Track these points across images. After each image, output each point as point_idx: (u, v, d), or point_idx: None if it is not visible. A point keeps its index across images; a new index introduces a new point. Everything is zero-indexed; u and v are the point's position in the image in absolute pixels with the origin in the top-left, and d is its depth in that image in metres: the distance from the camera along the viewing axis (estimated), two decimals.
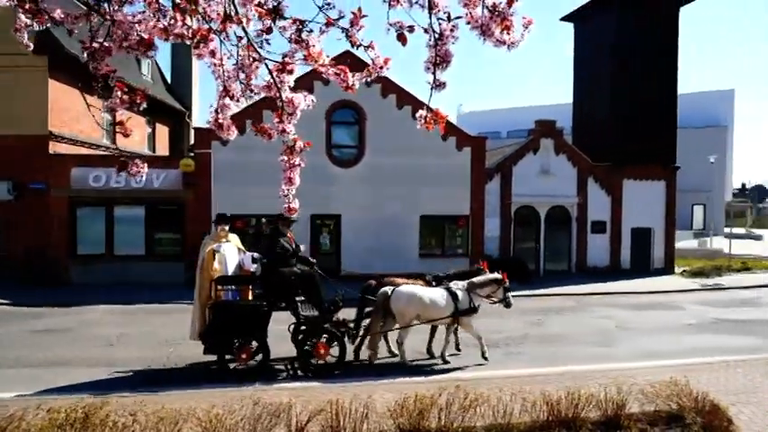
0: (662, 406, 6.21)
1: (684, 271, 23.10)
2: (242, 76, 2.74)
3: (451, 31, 2.25)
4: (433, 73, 2.35)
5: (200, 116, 30.08)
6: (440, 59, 2.30)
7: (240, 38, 2.66)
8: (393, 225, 19.89)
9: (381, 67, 2.58)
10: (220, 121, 2.79)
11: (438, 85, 2.43)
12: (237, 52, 2.70)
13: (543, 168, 21.56)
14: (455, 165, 20.33)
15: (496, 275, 9.70)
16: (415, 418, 5.74)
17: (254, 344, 8.51)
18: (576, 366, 9.11)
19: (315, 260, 9.46)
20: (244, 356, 8.42)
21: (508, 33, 2.18)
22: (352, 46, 2.52)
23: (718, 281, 20.94)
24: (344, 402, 5.82)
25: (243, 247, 9.27)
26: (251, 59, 2.69)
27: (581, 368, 8.96)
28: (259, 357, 8.56)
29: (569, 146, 22.39)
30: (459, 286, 9.49)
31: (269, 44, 2.64)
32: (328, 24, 2.51)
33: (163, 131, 26.76)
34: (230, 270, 8.73)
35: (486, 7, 2.15)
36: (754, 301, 16.92)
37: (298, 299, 8.83)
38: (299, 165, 2.96)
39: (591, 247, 22.33)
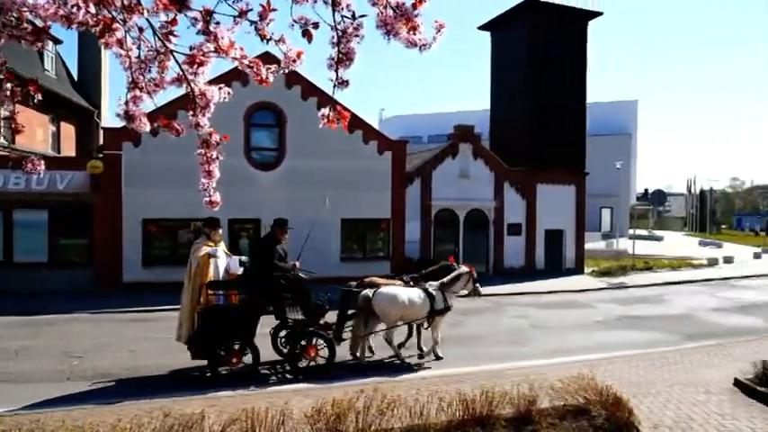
0: (570, 400, 6.47)
1: (593, 271, 24.37)
2: (152, 68, 2.60)
3: (356, 29, 2.23)
4: (336, 71, 2.32)
5: (111, 116, 28.62)
6: (343, 57, 2.27)
7: (142, 29, 2.52)
8: (314, 229, 19.67)
9: (294, 61, 2.51)
10: (130, 112, 2.63)
11: (341, 83, 2.40)
12: (142, 44, 2.56)
13: (462, 172, 22.10)
14: (376, 168, 20.45)
15: (464, 269, 10.17)
16: (332, 423, 5.67)
17: (242, 348, 8.56)
18: (493, 365, 9.36)
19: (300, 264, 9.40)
20: (234, 360, 8.46)
21: (415, 34, 2.18)
22: (262, 39, 2.44)
23: (623, 280, 22.22)
24: (260, 410, 5.67)
25: (228, 251, 9.33)
26: (155, 51, 2.56)
27: (497, 367, 9.22)
28: (247, 360, 8.60)
29: (487, 151, 23.10)
30: (434, 286, 9.86)
31: (175, 36, 2.52)
32: (241, 14, 2.43)
33: (69, 131, 25.21)
34: (220, 274, 8.75)
35: (392, 6, 2.15)
36: (654, 299, 18.06)
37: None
38: (218, 158, 2.87)
39: (507, 249, 23.10)
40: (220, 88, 2.67)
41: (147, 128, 2.68)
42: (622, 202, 45.21)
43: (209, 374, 8.36)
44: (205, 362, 8.46)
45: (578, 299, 17.98)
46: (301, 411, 6.15)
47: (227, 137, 2.94)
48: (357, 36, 2.25)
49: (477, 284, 10.22)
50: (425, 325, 10.07)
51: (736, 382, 8.05)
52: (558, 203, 23.86)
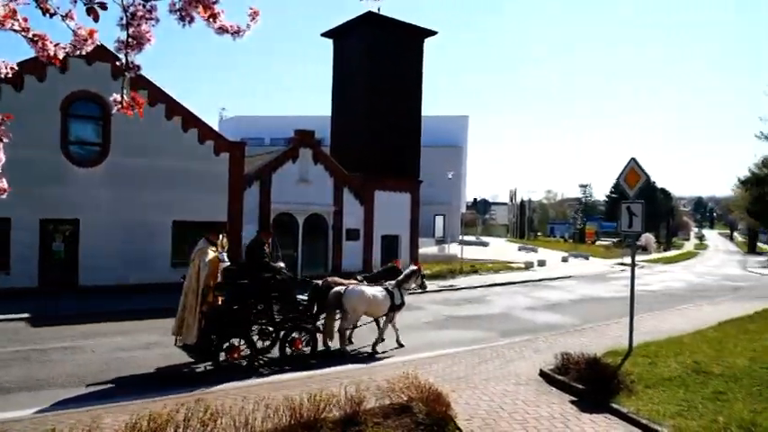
0: (395, 399, 6.68)
1: (426, 274, 25.63)
2: None
3: (149, 12, 2.05)
4: (126, 55, 2.12)
5: None
6: (133, 41, 2.08)
7: None
8: (142, 231, 18.37)
9: (86, 40, 2.25)
10: None
11: (131, 68, 2.20)
12: None
13: (302, 177, 22.05)
14: (212, 169, 19.63)
15: (413, 268, 11.63)
16: None
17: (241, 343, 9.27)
18: (323, 369, 9.37)
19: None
20: (236, 355, 9.22)
21: (215, 21, 2.07)
22: (44, 14, 2.16)
23: (452, 282, 23.68)
24: (63, 430, 5.09)
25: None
26: None
27: (327, 370, 9.24)
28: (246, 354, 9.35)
29: (327, 156, 23.31)
30: (392, 284, 11.10)
31: None
32: None
33: None
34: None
35: None
36: (478, 299, 19.47)
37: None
38: (1, 140, 2.50)
39: (346, 253, 23.49)
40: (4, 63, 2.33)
41: None
42: (454, 210, 48.34)
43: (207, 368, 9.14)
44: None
45: (411, 301, 18.70)
46: (113, 429, 5.63)
47: (10, 116, 2.58)
48: (150, 20, 2.08)
49: (424, 279, 11.89)
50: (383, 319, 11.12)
51: (541, 373, 8.92)
52: (395, 210, 24.82)
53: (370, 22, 24.56)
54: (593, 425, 6.64)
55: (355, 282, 11.25)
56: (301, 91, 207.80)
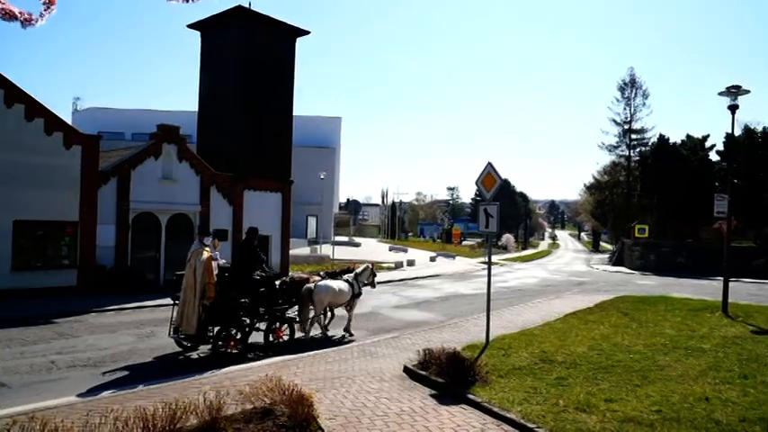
0: (258, 403, 6.53)
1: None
2: None
3: None
4: None
5: None
6: None
7: None
8: None
9: None
10: None
11: None
12: None
13: (165, 174, 20.87)
14: (61, 164, 17.96)
15: (368, 265, 14.04)
16: None
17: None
18: (184, 377, 8.94)
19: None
20: (233, 344, 10.43)
21: None
22: None
23: None
24: None
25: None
26: None
27: (189, 378, 8.83)
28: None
29: (193, 153, 22.28)
30: (350, 278, 13.04)
31: None
32: None
33: None
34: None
35: None
36: None
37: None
38: None
39: (214, 255, 22.56)
40: None
41: None
42: (327, 211, 48.42)
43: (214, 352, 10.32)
44: None
45: None
46: None
47: None
48: None
49: (375, 277, 14.15)
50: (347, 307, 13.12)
51: (405, 369, 9.19)
52: (265, 210, 24.32)
53: (241, 17, 23.86)
54: (450, 416, 6.95)
55: (319, 278, 12.68)
56: (167, 84, 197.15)
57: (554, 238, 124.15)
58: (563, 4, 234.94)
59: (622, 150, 58.03)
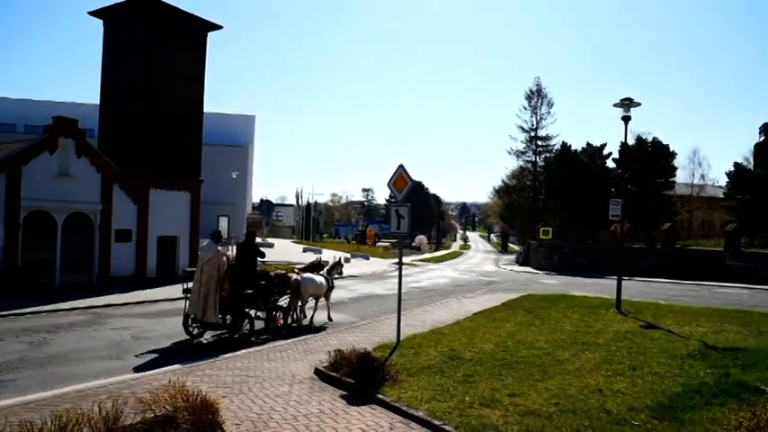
0: (159, 411, 6.24)
1: None
2: None
3: None
4: None
5: None
6: None
7: None
8: None
9: None
10: None
11: None
12: None
13: (62, 171, 19.51)
14: None
15: (336, 260, 16.20)
16: None
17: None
18: (80, 385, 8.40)
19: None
20: (243, 330, 12.28)
21: None
22: None
23: None
24: None
25: None
26: None
27: (86, 386, 8.31)
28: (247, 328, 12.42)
29: (93, 149, 21.00)
30: (324, 272, 14.95)
31: None
32: None
33: None
34: None
35: None
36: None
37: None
38: None
39: (115, 256, 21.40)
40: None
41: None
42: (239, 211, 47.24)
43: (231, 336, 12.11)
44: None
45: (182, 306, 17.79)
46: None
47: None
48: None
49: (342, 267, 16.48)
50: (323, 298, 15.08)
51: (316, 371, 9.13)
52: (173, 209, 23.39)
53: (147, 6, 22.79)
54: (360, 416, 6.97)
55: (296, 273, 14.41)
56: (66, 74, 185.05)
57: (465, 239, 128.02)
58: (477, 15, 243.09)
59: (529, 156, 60.79)
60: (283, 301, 14.02)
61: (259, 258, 13.07)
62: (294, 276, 14.07)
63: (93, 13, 24.25)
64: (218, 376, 8.92)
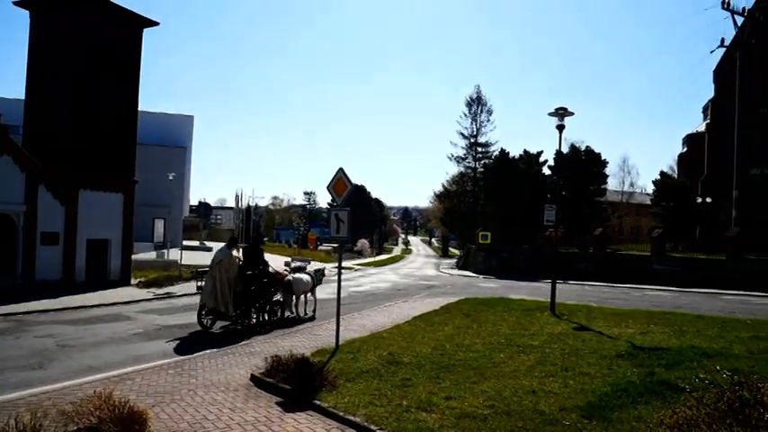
0: (82, 423, 5.94)
1: (140, 281, 23.74)
2: None
3: None
4: None
5: None
6: None
7: None
8: None
9: None
10: None
11: None
12: None
13: None
14: None
15: (322, 267, 19.56)
16: None
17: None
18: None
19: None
20: (253, 322, 14.48)
21: None
22: None
23: (169, 289, 22.35)
24: None
25: None
26: None
27: (1, 398, 7.81)
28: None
29: (17, 147, 19.89)
30: (311, 271, 17.17)
31: None
32: None
33: None
34: None
35: None
36: (195, 306, 18.69)
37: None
38: None
39: (41, 261, 20.34)
40: None
41: None
42: (176, 213, 45.80)
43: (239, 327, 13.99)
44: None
45: (121, 311, 17.13)
46: None
47: None
48: None
49: (323, 276, 18.92)
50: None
51: (252, 377, 8.93)
52: (104, 211, 22.44)
53: None
54: (296, 423, 6.86)
55: (288, 272, 16.55)
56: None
57: (407, 243, 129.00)
58: (420, 23, 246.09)
59: (469, 162, 62.01)
60: (277, 298, 15.91)
61: (261, 267, 15.03)
62: (287, 276, 15.98)
63: (19, 4, 22.96)
64: (150, 384, 8.60)
